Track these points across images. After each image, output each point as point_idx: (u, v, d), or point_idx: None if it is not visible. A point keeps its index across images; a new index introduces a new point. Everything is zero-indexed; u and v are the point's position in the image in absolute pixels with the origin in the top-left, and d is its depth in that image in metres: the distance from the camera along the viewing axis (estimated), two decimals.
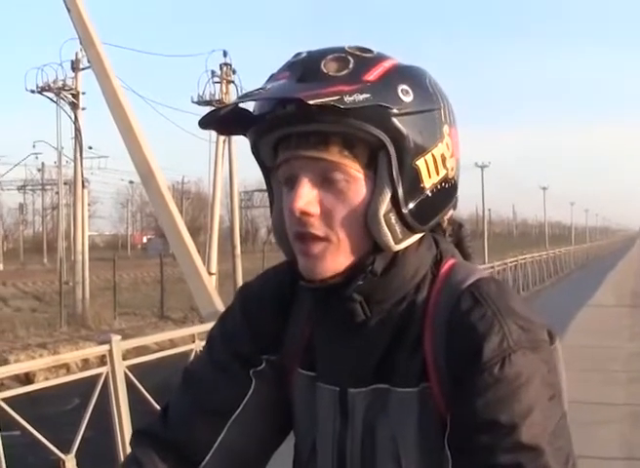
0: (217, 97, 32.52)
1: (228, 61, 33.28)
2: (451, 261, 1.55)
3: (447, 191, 1.50)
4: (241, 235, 40.60)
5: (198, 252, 20.68)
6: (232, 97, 32.27)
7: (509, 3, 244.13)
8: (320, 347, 1.56)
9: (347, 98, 1.34)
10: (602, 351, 13.83)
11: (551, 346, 1.46)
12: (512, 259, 31.59)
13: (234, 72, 33.28)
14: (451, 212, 1.59)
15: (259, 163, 1.54)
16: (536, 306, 22.67)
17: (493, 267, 27.47)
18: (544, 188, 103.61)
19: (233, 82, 33.07)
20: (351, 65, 1.40)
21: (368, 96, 1.36)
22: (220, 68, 33.10)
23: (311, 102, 1.31)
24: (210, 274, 26.29)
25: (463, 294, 1.44)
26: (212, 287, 19.96)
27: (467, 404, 1.37)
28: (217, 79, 33.02)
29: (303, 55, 1.45)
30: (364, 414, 1.49)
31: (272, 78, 1.45)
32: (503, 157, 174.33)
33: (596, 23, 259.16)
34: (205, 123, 1.45)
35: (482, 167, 68.38)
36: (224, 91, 32.98)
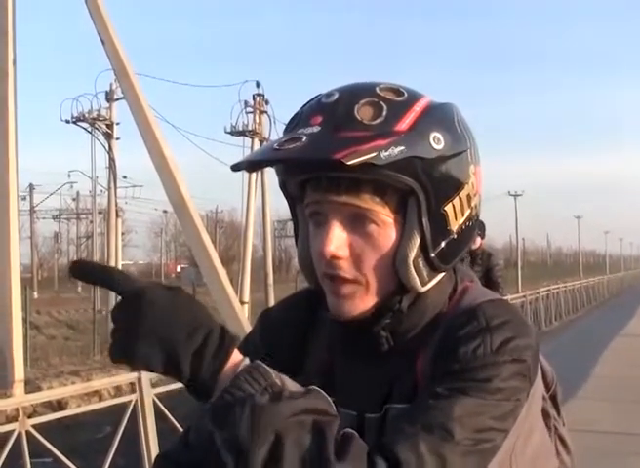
0: (249, 128, 32.63)
1: (261, 92, 33.41)
2: (465, 286, 1.57)
3: (470, 228, 1.52)
4: (274, 264, 40.59)
5: (231, 281, 20.75)
6: (265, 128, 32.46)
7: (540, 31, 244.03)
8: (340, 373, 1.58)
9: (383, 154, 1.35)
10: (635, 382, 13.65)
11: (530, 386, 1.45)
12: (545, 289, 31.37)
13: (267, 102, 33.33)
14: (479, 241, 1.61)
15: (284, 193, 1.56)
16: (568, 336, 22.50)
17: (525, 297, 27.29)
18: (578, 217, 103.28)
19: (266, 112, 33.14)
20: (385, 112, 1.41)
21: (402, 148, 1.37)
22: (253, 99, 33.16)
23: (349, 163, 1.32)
24: (242, 303, 26.32)
25: (461, 314, 1.47)
26: (244, 316, 20.01)
27: (424, 389, 1.41)
28: (250, 109, 33.11)
29: (335, 96, 1.45)
30: (377, 438, 1.49)
31: (303, 119, 1.45)
32: (537, 186, 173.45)
33: (628, 54, 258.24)
34: (237, 168, 1.45)
35: (515, 195, 68.07)
36: (257, 121, 33.05)
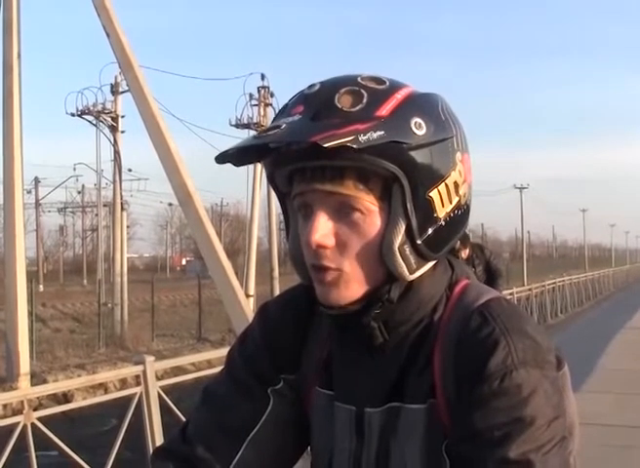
0: (254, 121, 32.62)
1: (266, 84, 33.43)
2: (463, 282, 1.55)
3: (460, 217, 1.51)
4: (279, 257, 40.60)
5: (236, 274, 20.74)
6: (270, 121, 32.28)
7: (549, 24, 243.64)
8: (338, 368, 1.58)
9: (362, 138, 1.34)
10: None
11: (559, 371, 1.46)
12: (550, 282, 31.38)
13: (272, 95, 33.37)
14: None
15: (274, 189, 1.56)
16: (574, 329, 22.49)
17: (530, 290, 27.30)
18: (584, 210, 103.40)
19: (271, 105, 33.14)
20: (365, 100, 1.41)
21: (382, 133, 1.36)
22: (258, 91, 33.22)
23: (326, 145, 1.31)
24: (247, 296, 26.32)
25: (474, 314, 1.45)
26: (249, 309, 19.96)
27: (465, 414, 1.38)
28: (255, 102, 33.14)
29: (317, 87, 1.45)
30: (379, 434, 1.51)
31: (286, 111, 1.46)
32: (543, 179, 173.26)
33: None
34: (222, 158, 1.46)
35: (521, 188, 68.06)
36: (262, 114, 33.08)
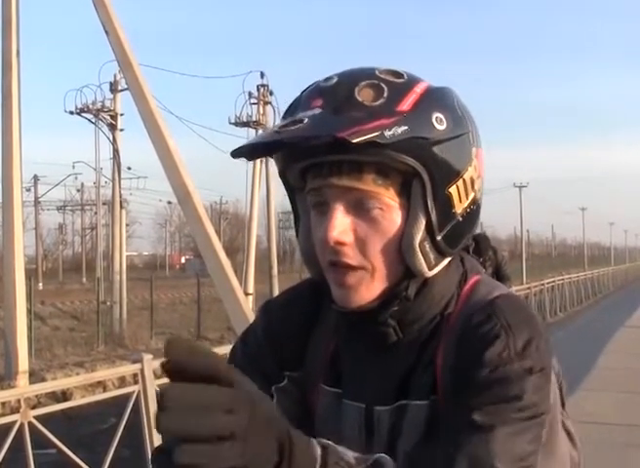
0: (254, 119, 32.57)
1: (265, 83, 33.38)
2: (474, 278, 1.55)
3: (474, 213, 1.50)
4: (278, 255, 40.65)
5: (235, 272, 20.72)
6: (269, 119, 32.39)
7: (547, 21, 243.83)
8: (347, 365, 1.57)
9: (387, 133, 1.33)
10: (639, 373, 13.64)
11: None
12: (549, 280, 31.39)
13: (271, 93, 33.29)
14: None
15: (284, 183, 1.54)
16: (573, 327, 22.51)
17: (529, 288, 27.30)
18: (583, 209, 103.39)
19: (270, 103, 33.11)
20: (385, 94, 1.40)
21: (406, 128, 1.36)
22: (258, 90, 33.14)
23: (355, 141, 1.30)
24: (247, 294, 26.30)
25: (479, 310, 1.44)
26: (248, 307, 19.95)
27: (456, 400, 1.39)
28: (254, 100, 33.06)
29: (334, 80, 1.44)
30: (389, 432, 1.49)
31: (302, 104, 1.44)
32: (542, 177, 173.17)
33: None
34: (237, 154, 1.44)
35: (520, 187, 68.03)
36: (261, 112, 33.01)
